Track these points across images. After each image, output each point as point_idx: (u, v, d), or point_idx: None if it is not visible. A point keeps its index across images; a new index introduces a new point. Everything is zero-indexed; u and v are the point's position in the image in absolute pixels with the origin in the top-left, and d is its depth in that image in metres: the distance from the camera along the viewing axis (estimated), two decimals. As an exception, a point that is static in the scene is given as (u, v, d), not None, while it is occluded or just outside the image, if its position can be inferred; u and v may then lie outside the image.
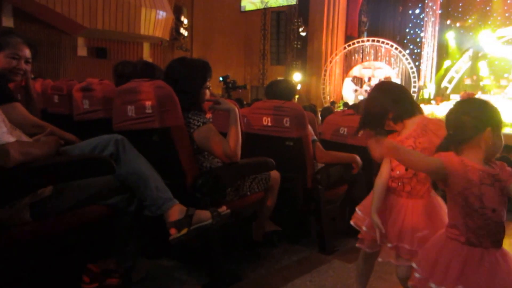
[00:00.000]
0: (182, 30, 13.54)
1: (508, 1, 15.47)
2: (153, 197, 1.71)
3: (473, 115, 1.23)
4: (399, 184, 1.61)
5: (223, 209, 1.84)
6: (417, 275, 1.33)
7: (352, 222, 1.74)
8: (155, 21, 11.40)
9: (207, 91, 2.04)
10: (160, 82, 1.78)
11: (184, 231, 1.72)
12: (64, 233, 1.52)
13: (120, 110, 1.92)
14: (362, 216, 1.70)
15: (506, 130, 10.51)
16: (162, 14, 11.54)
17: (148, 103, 1.76)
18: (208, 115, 2.51)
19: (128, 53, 12.31)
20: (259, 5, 14.43)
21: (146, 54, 12.64)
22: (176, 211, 1.73)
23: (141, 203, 1.74)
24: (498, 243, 1.25)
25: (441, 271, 1.26)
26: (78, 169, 1.48)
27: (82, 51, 11.66)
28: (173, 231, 1.73)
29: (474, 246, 1.24)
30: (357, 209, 1.74)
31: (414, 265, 1.36)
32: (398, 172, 1.60)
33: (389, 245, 1.58)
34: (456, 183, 1.23)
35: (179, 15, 13.34)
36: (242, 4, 14.88)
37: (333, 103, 8.42)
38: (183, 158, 1.86)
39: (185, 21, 13.65)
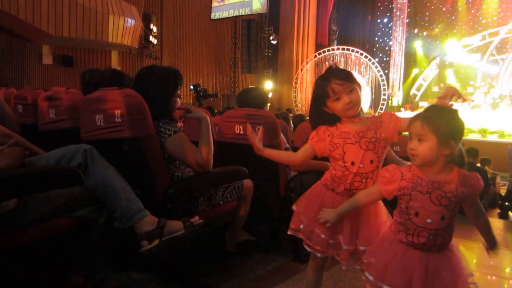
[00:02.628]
0: (152, 38, 13.39)
1: (473, 11, 16.11)
2: (123, 208, 1.67)
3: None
4: (362, 181, 1.52)
5: (196, 219, 1.81)
6: (370, 277, 1.35)
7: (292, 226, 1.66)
8: (123, 28, 11.24)
9: (178, 100, 2.01)
10: (129, 91, 1.75)
11: (156, 242, 1.69)
12: (29, 246, 1.46)
13: (88, 119, 1.86)
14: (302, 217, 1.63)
15: (472, 136, 10.90)
16: (130, 21, 11.40)
17: (117, 112, 1.71)
18: (179, 124, 2.48)
19: (95, 61, 12.06)
20: (231, 13, 14.48)
21: (115, 62, 12.43)
22: (147, 222, 1.70)
23: (110, 215, 1.69)
24: (434, 247, 1.29)
25: (393, 273, 1.30)
26: (43, 181, 1.43)
27: (47, 59, 11.34)
28: (144, 242, 1.70)
29: (414, 248, 1.30)
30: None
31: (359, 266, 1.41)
32: (361, 166, 1.51)
33: (345, 246, 1.52)
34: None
35: (148, 23, 13.20)
36: (212, 12, 14.89)
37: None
38: (154, 167, 1.82)
39: (155, 29, 13.51)
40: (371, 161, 1.50)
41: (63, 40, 10.76)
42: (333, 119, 1.56)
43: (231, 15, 14.45)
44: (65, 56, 11.48)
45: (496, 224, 4.97)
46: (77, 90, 2.23)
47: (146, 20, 13.14)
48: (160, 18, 14.40)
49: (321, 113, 1.57)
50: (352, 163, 1.51)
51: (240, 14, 14.21)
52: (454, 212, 1.28)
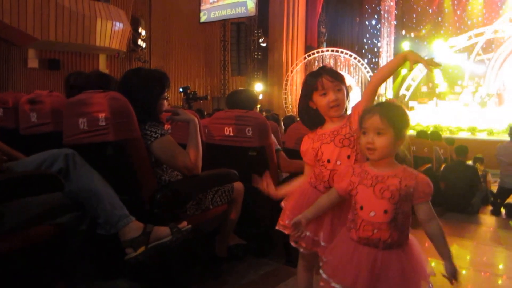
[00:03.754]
0: (140, 42, 13.28)
1: (458, 12, 16.31)
2: (107, 215, 1.61)
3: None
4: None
5: (184, 224, 1.75)
6: (324, 275, 1.35)
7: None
8: (111, 32, 11.11)
9: (165, 102, 1.95)
10: (114, 93, 1.68)
11: (141, 249, 1.63)
12: (7, 256, 1.39)
13: (71, 123, 1.79)
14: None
15: (462, 135, 11.01)
16: (118, 25, 11.27)
17: (102, 115, 1.65)
18: (167, 127, 2.42)
19: (83, 65, 11.90)
20: (212, 15, 14.44)
21: (103, 66, 12.29)
22: (132, 228, 1.64)
23: (94, 221, 1.62)
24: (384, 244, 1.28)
25: (343, 270, 1.31)
26: (22, 187, 1.36)
27: (33, 63, 11.13)
28: (129, 250, 1.63)
29: (363, 244, 1.30)
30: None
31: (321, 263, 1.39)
32: (338, 163, 1.52)
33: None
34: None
35: (137, 26, 13.09)
36: (206, 13, 14.83)
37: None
38: (140, 172, 1.76)
39: (143, 32, 13.40)
40: (348, 157, 1.52)
41: (50, 44, 10.60)
42: (316, 116, 1.59)
43: (227, 14, 14.36)
44: (51, 60, 11.30)
45: (489, 221, 4.99)
46: (60, 93, 2.16)
47: (135, 23, 13.03)
48: (148, 21, 14.29)
49: (306, 108, 1.60)
50: (328, 161, 1.53)
51: (236, 13, 14.14)
52: (400, 209, 1.28)
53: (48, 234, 1.50)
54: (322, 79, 1.53)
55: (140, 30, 13.23)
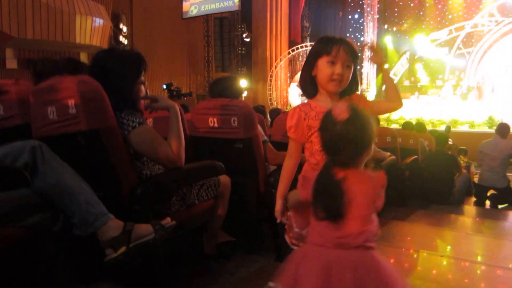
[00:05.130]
0: (122, 38, 12.98)
1: (439, 6, 16.49)
2: (82, 213, 1.46)
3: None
4: None
5: (167, 221, 1.62)
6: None
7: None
8: (91, 29, 10.82)
9: (142, 87, 1.80)
10: (83, 77, 1.52)
11: (122, 249, 1.49)
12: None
13: (39, 113, 1.63)
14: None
15: (444, 128, 11.11)
16: (99, 21, 10.98)
17: (71, 102, 1.49)
18: (147, 117, 2.28)
19: (63, 63, 11.58)
20: (202, 9, 14.22)
21: (84, 64, 11.99)
22: (111, 227, 1.50)
23: (68, 221, 1.47)
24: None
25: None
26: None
27: (11, 64, 10.76)
28: (109, 250, 1.49)
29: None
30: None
31: None
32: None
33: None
34: None
35: (118, 22, 12.79)
36: (184, 10, 14.59)
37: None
38: (118, 165, 1.61)
39: (125, 29, 13.10)
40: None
41: (28, 43, 10.25)
42: (312, 84, 1.45)
43: (215, 8, 14.12)
44: (31, 60, 10.95)
45: (471, 211, 4.99)
46: (27, 81, 1.99)
47: (116, 20, 12.73)
48: (130, 17, 13.99)
49: (305, 77, 1.46)
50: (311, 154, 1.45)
51: (224, 6, 13.92)
52: None
53: (16, 237, 1.36)
54: (339, 46, 1.38)
55: (121, 26, 12.94)
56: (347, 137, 1.10)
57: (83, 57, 12.07)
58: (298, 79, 1.53)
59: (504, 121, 9.90)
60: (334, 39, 1.41)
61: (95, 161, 1.62)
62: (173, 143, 1.75)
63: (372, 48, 1.56)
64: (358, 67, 16.08)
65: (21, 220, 1.36)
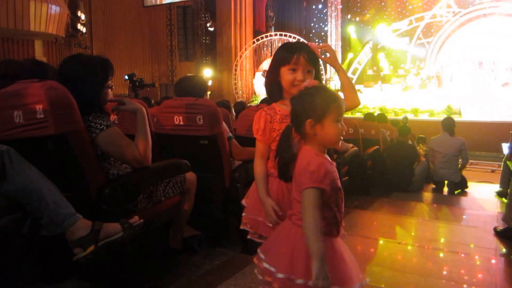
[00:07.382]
0: (80, 26, 12.52)
1: (400, -3, 16.85)
2: (50, 214, 1.49)
3: (301, 106, 1.26)
4: None
5: (135, 219, 1.68)
6: (265, 265, 1.28)
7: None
8: (47, 16, 10.37)
9: (110, 91, 1.83)
10: (52, 83, 1.55)
11: (91, 248, 1.54)
12: None
13: (4, 117, 1.63)
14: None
15: (409, 116, 11.51)
16: (55, 8, 10.55)
17: (39, 107, 1.51)
18: (113, 118, 2.30)
19: (17, 51, 11.06)
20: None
21: (39, 53, 11.49)
22: (80, 227, 1.54)
23: (36, 222, 1.51)
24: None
25: (289, 260, 1.23)
26: None
27: (-42, 53, 10.22)
28: (77, 250, 1.54)
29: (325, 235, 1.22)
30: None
31: (261, 255, 1.32)
32: None
33: None
34: None
35: (75, 10, 12.30)
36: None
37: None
38: (85, 166, 1.65)
39: (83, 16, 12.63)
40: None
41: (-22, 30, 9.77)
42: (278, 89, 1.52)
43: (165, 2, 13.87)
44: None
45: (430, 197, 5.27)
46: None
47: (73, 7, 12.25)
48: (88, 5, 13.50)
49: (271, 83, 1.53)
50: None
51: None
52: None
53: (-17, 239, 1.38)
54: (299, 55, 1.46)
55: (79, 14, 12.47)
56: (299, 103, 1.26)
57: (38, 45, 11.61)
58: (264, 80, 1.59)
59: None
60: (294, 47, 1.49)
61: (62, 163, 1.65)
62: (140, 144, 1.80)
63: (324, 49, 1.64)
64: (323, 56, 16.27)
65: (-11, 223, 1.38)
